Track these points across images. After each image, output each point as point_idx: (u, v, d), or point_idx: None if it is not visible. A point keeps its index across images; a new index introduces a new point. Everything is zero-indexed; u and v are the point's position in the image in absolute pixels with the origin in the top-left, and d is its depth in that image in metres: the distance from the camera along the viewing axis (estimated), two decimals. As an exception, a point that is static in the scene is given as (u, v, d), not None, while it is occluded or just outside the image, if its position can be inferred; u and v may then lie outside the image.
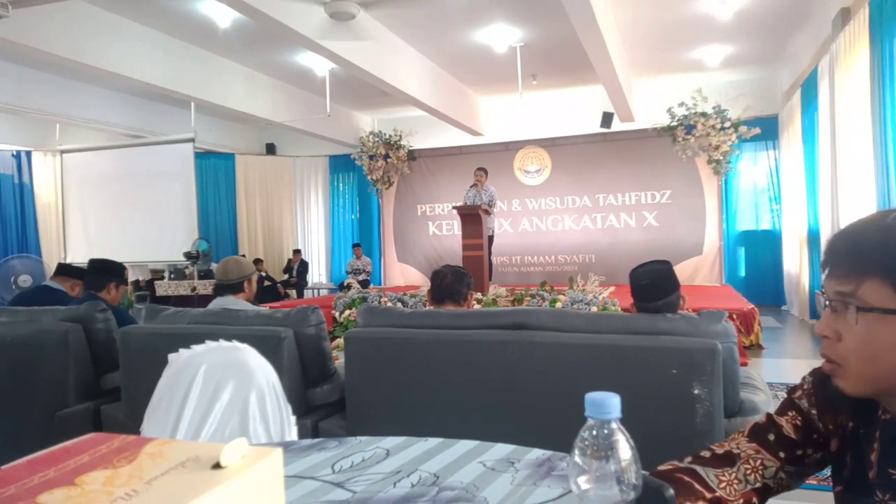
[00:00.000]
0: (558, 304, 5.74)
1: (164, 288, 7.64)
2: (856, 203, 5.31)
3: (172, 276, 7.99)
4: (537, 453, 1.06)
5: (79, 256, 8.47)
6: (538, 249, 10.46)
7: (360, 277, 10.20)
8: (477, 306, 5.16)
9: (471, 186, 7.73)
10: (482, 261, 6.90)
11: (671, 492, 0.62)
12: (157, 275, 8.55)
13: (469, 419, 2.00)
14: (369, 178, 11.12)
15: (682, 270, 8.59)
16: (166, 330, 2.52)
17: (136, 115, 9.52)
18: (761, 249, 9.53)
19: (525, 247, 10.51)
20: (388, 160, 10.89)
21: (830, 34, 5.84)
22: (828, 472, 0.94)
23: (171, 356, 1.59)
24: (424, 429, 1.24)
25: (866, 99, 4.88)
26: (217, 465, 0.49)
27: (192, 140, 8.63)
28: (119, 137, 9.72)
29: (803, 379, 0.97)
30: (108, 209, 8.91)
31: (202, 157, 10.23)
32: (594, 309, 5.56)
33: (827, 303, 0.82)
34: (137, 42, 6.85)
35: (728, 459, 0.90)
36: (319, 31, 5.86)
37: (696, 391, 1.68)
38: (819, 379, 0.94)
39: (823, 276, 0.84)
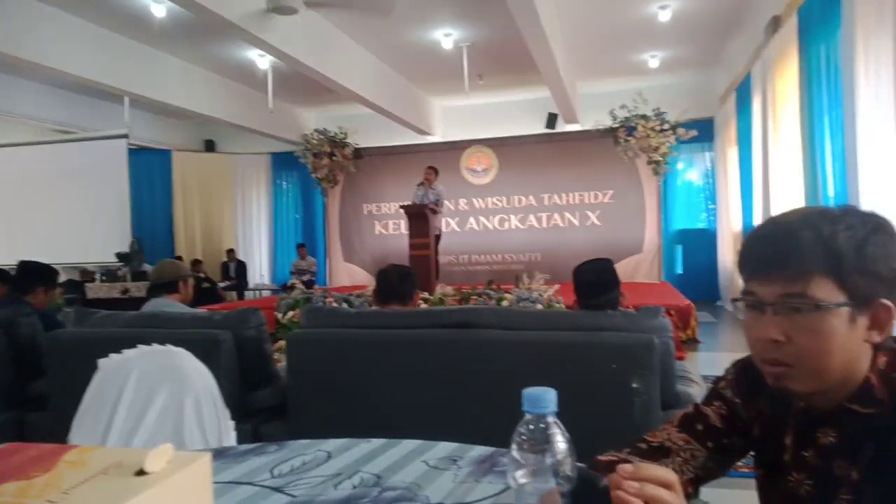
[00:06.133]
0: (505, 303, 5.79)
1: (95, 290, 7.30)
2: (786, 202, 5.57)
3: (104, 277, 7.65)
4: (480, 450, 1.07)
5: (2, 258, 8.00)
6: (485, 248, 10.55)
7: (305, 278, 10.01)
8: (424, 306, 5.15)
9: (419, 185, 7.72)
10: (429, 260, 6.90)
11: (605, 482, 0.63)
12: (88, 276, 8.16)
13: (415, 419, 1.99)
14: (314, 176, 10.95)
15: (623, 268, 8.81)
16: (97, 334, 2.41)
17: (65, 109, 9.07)
18: (698, 247, 9.89)
19: (472, 246, 10.58)
20: (334, 158, 10.74)
21: (763, 41, 6.10)
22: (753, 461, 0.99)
23: (101, 361, 1.53)
24: (370, 430, 1.23)
25: (795, 103, 5.13)
26: (141, 472, 0.47)
27: (126, 136, 8.30)
28: (47, 133, 9.26)
29: (727, 370, 1.01)
30: (34, 208, 8.46)
31: (136, 153, 9.81)
32: (539, 307, 5.64)
33: (768, 307, 0.81)
34: (68, 33, 6.52)
35: (663, 451, 0.93)
36: (260, 24, 5.71)
37: (634, 385, 1.72)
38: (742, 369, 0.98)
39: (754, 283, 0.84)
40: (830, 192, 4.44)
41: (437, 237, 7.50)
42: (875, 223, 0.81)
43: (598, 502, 0.61)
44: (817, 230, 0.79)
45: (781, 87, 5.62)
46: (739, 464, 0.99)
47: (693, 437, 0.95)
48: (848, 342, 0.79)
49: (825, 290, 0.78)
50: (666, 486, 0.65)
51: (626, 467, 0.65)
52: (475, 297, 6.15)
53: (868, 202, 3.59)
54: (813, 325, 0.79)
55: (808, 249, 0.79)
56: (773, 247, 0.83)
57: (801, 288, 0.79)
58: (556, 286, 6.46)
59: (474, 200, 10.64)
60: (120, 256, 7.56)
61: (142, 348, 1.56)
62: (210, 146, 11.67)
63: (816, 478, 0.85)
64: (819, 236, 0.79)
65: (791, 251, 0.80)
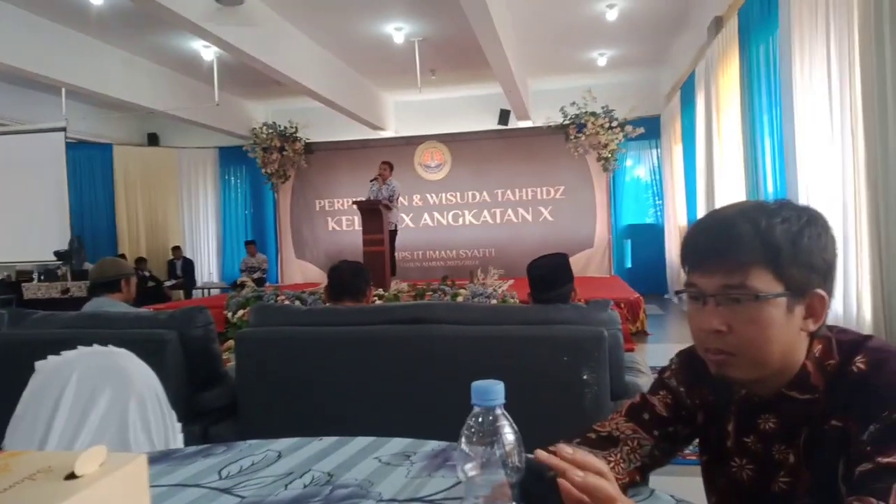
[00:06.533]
0: (459, 299, 5.81)
1: (32, 290, 6.97)
2: (729, 197, 5.76)
3: (42, 277, 7.32)
4: (433, 445, 1.07)
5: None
6: (440, 244, 10.57)
7: (255, 276, 9.81)
8: (379, 302, 5.12)
9: (372, 180, 7.66)
10: (383, 256, 6.86)
11: (550, 472, 0.64)
12: (25, 276, 7.79)
13: (369, 416, 1.97)
14: (264, 171, 10.72)
15: (574, 263, 8.83)
16: (33, 336, 2.30)
17: (-2, 100, 8.62)
18: (646, 241, 10.15)
19: (427, 242, 10.58)
20: (284, 153, 10.55)
21: (706, 40, 6.29)
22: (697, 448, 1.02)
23: (38, 363, 1.46)
24: (323, 429, 1.21)
25: (737, 101, 5.31)
26: (71, 476, 0.45)
27: (64, 129, 7.95)
28: (-23, 125, 8.78)
29: (671, 360, 1.04)
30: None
31: (75, 147, 9.41)
32: (494, 302, 5.68)
33: (709, 298, 0.83)
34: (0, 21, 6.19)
35: (611, 441, 0.95)
36: (204, 14, 5.54)
37: (584, 376, 1.75)
38: (686, 358, 1.01)
39: (695, 275, 0.86)
40: (770, 187, 4.62)
41: (393, 233, 7.46)
42: (809, 216, 0.84)
43: (546, 492, 0.62)
44: (755, 223, 0.82)
45: (724, 85, 5.80)
46: (687, 451, 1.02)
47: (640, 425, 0.97)
48: (786, 331, 0.82)
49: (763, 281, 0.81)
50: (599, 475, 0.67)
51: (566, 448, 0.66)
52: (430, 293, 6.15)
53: (804, 197, 3.75)
54: (752, 316, 0.81)
55: (746, 242, 0.81)
56: (712, 240, 0.85)
57: (741, 279, 0.81)
58: (511, 281, 6.53)
59: (428, 196, 10.64)
60: (59, 255, 7.25)
61: (82, 349, 1.49)
62: (153, 140, 11.28)
63: (757, 462, 0.88)
64: (757, 229, 0.81)
65: (730, 244, 0.82)
